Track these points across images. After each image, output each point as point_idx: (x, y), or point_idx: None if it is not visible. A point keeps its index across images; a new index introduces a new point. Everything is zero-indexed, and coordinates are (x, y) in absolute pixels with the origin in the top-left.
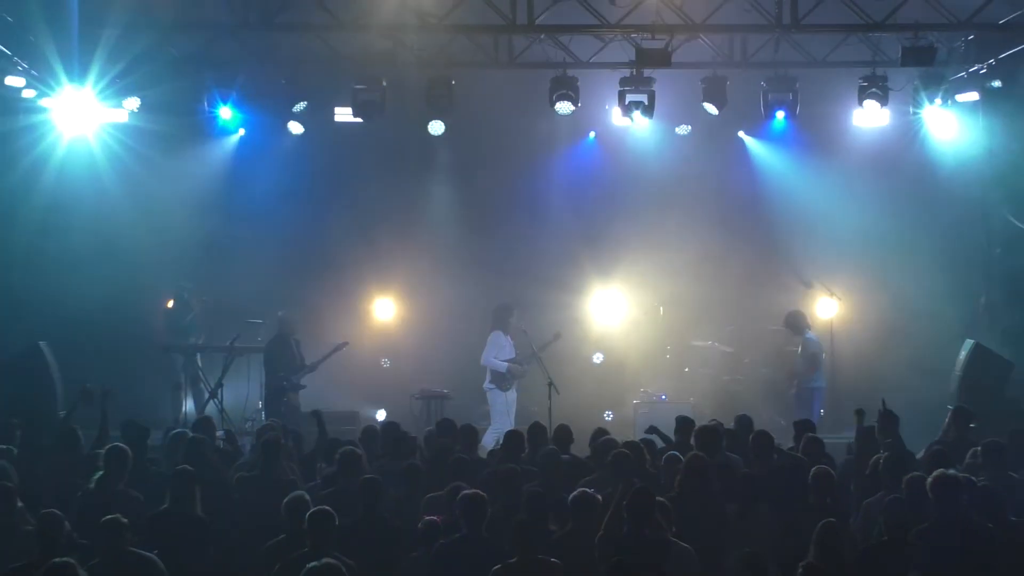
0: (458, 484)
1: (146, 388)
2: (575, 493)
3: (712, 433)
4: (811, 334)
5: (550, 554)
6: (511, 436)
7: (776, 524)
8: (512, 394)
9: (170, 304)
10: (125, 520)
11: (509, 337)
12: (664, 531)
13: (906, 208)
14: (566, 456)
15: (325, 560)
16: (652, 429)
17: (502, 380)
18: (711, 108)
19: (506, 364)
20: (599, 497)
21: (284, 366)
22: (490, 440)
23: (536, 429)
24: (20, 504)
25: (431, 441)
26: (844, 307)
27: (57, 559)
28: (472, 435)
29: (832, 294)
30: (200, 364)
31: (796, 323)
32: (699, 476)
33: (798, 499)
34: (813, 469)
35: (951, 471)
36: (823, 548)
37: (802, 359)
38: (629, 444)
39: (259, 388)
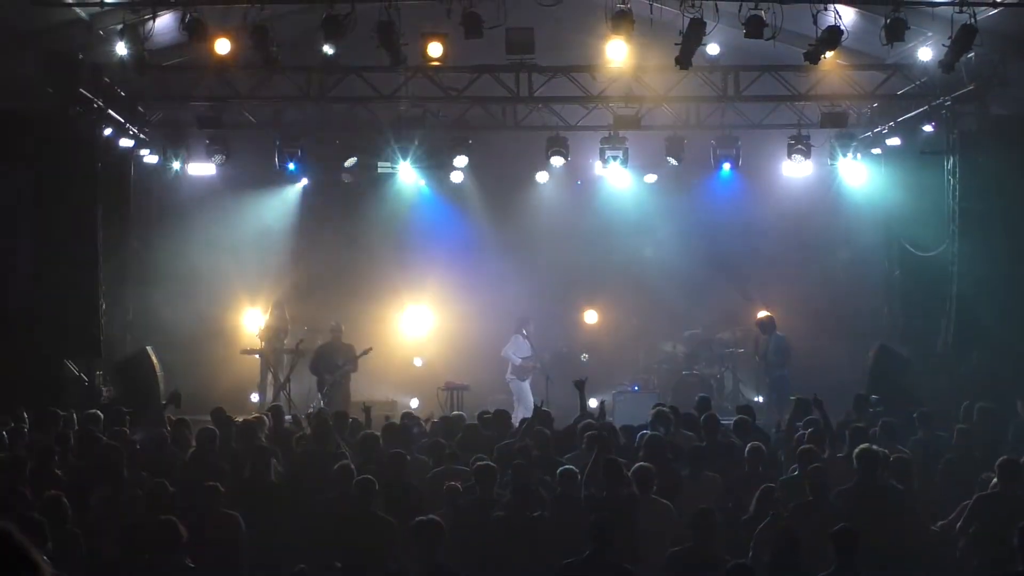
0: (480, 456)
1: (229, 382)
2: (562, 468)
3: (664, 416)
4: (780, 334)
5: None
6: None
7: (720, 486)
8: (527, 384)
9: (270, 319)
10: (221, 488)
11: (527, 340)
12: (641, 491)
13: (825, 239)
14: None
15: (430, 517)
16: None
17: (520, 371)
18: (672, 161)
19: (520, 359)
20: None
21: (324, 365)
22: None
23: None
24: (126, 474)
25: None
26: (777, 316)
27: (163, 516)
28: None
29: (765, 305)
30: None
31: (769, 325)
32: (658, 451)
33: (737, 467)
34: (748, 444)
35: (874, 446)
36: (762, 505)
37: (778, 352)
38: (606, 426)
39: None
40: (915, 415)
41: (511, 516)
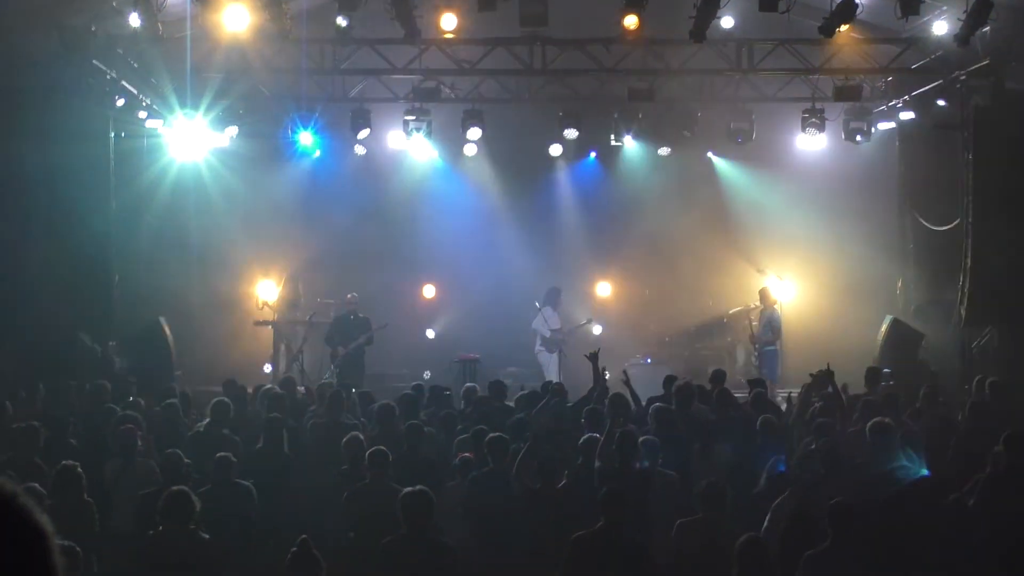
0: (481, 428)
1: (242, 353)
2: (585, 437)
3: (687, 389)
4: (775, 308)
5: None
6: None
7: (732, 460)
8: (555, 356)
9: (284, 291)
10: (234, 458)
11: (556, 313)
12: (649, 463)
13: (839, 212)
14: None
15: (419, 487)
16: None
17: (549, 344)
18: (686, 133)
19: (550, 331)
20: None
21: (340, 336)
22: None
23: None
24: (140, 445)
25: (469, 395)
26: (790, 289)
27: (176, 487)
28: (501, 389)
29: (780, 278)
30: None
31: (768, 297)
32: (666, 423)
33: (749, 441)
34: (760, 417)
35: (886, 419)
36: (771, 479)
37: (769, 327)
38: (617, 395)
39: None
40: (921, 393)
41: (533, 488)
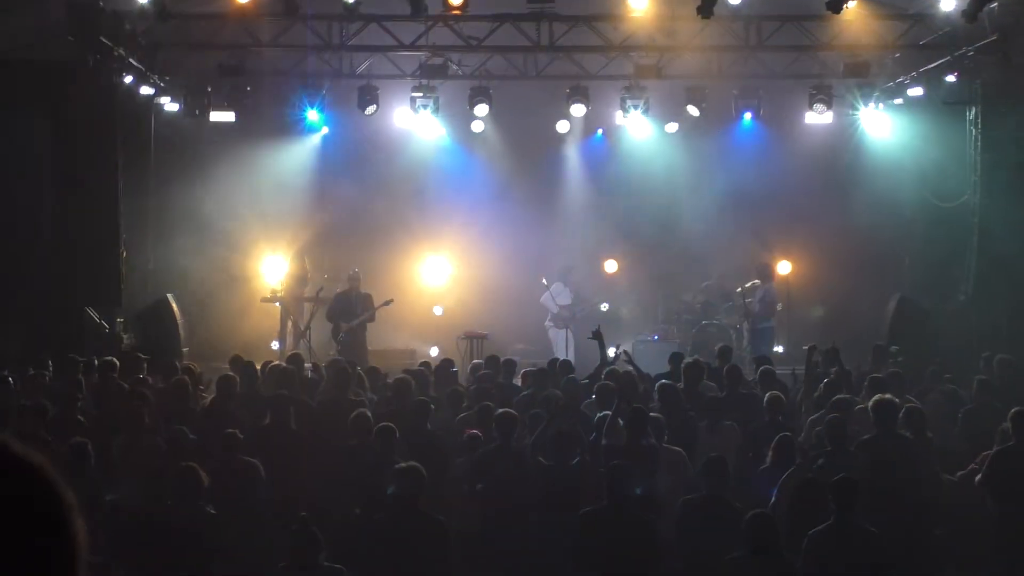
0: (486, 404)
1: (250, 330)
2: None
3: (696, 368)
4: (772, 284)
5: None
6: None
7: (738, 437)
8: (564, 332)
9: (291, 267)
10: (240, 435)
11: (568, 288)
12: (656, 440)
13: (846, 189)
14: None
15: (410, 463)
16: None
17: (557, 319)
18: (693, 110)
19: (558, 307)
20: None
21: (342, 313)
22: None
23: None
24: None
25: (476, 371)
26: (797, 266)
27: (184, 463)
28: (511, 366)
29: (786, 256)
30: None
31: (766, 272)
32: (671, 400)
33: (756, 417)
34: (767, 394)
35: (888, 396)
36: (779, 455)
37: (766, 303)
38: (626, 374)
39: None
40: (928, 371)
41: (541, 464)
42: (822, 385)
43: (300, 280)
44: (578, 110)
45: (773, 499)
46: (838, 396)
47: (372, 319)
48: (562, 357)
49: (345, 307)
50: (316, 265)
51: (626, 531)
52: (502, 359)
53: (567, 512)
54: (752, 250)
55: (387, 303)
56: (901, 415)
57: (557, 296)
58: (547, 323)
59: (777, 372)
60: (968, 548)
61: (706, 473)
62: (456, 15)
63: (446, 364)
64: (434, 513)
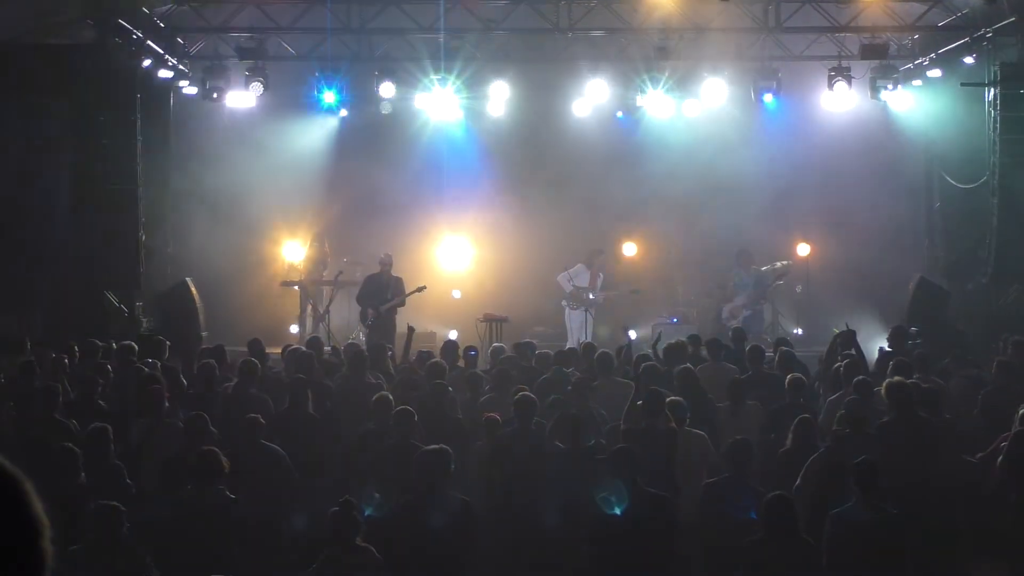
0: (519, 387)
1: (269, 313)
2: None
3: (680, 347)
4: (756, 268)
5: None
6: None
7: (761, 417)
8: (581, 314)
9: (311, 251)
10: (262, 420)
11: (591, 272)
12: (676, 423)
13: (865, 171)
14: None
15: (438, 446)
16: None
17: (571, 299)
18: (712, 92)
19: (572, 287)
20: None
21: (373, 296)
22: None
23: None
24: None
25: (496, 354)
26: (818, 249)
27: (205, 447)
28: (530, 348)
29: (804, 237)
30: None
31: (750, 259)
32: (691, 382)
33: (777, 399)
34: (788, 376)
35: (900, 378)
36: (798, 437)
37: (759, 288)
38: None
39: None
40: (947, 360)
41: (559, 448)
42: (840, 366)
43: (319, 263)
44: (595, 90)
45: (799, 481)
46: (859, 378)
47: (403, 304)
48: (575, 339)
49: (375, 290)
50: (335, 248)
51: (636, 511)
52: (521, 341)
53: (581, 496)
54: (772, 233)
55: (420, 289)
56: (917, 396)
57: (575, 277)
58: (563, 302)
59: (797, 354)
60: (988, 530)
61: (730, 456)
62: None
63: (450, 346)
64: (459, 494)
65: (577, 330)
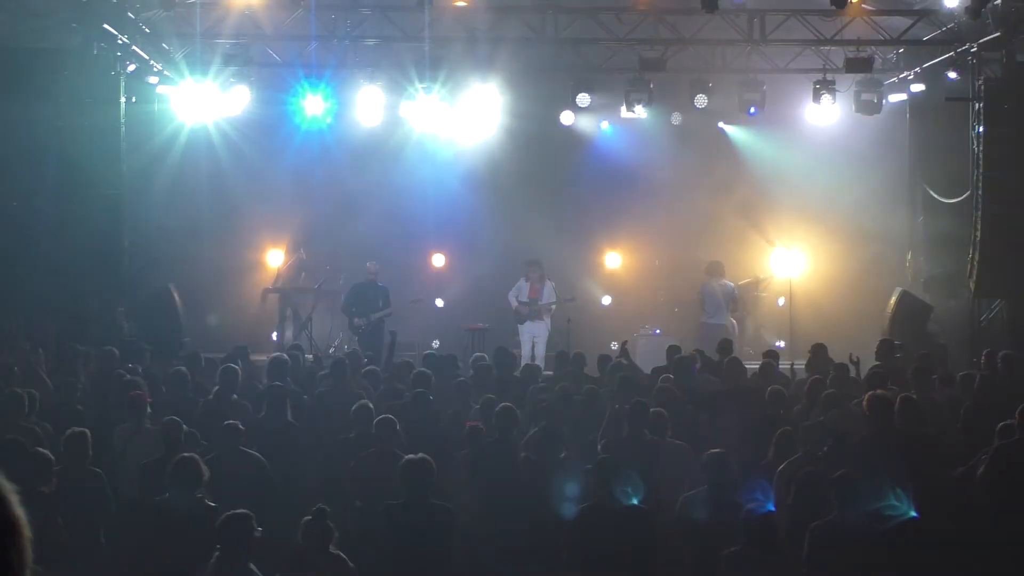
0: (489, 397)
1: (251, 320)
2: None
3: (685, 361)
4: (726, 282)
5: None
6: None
7: (739, 431)
8: (529, 326)
9: (291, 260)
10: (241, 426)
11: (529, 284)
12: (657, 435)
13: (849, 185)
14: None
15: (420, 455)
16: (623, 353)
17: (516, 315)
18: (700, 101)
19: (516, 303)
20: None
21: (360, 305)
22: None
23: (560, 356)
24: (149, 410)
25: (477, 363)
26: (801, 262)
27: (185, 454)
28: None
29: (790, 251)
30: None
31: (719, 270)
32: (668, 395)
33: (757, 412)
34: (768, 388)
35: (881, 392)
36: (780, 449)
37: (729, 299)
38: (625, 377)
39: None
40: (934, 376)
41: (536, 457)
42: (812, 380)
43: (300, 271)
44: (583, 100)
45: (772, 491)
46: (829, 392)
47: (390, 315)
48: (526, 351)
49: (362, 300)
50: (315, 256)
51: (614, 523)
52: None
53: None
54: (755, 244)
55: (416, 301)
56: (897, 408)
57: (520, 292)
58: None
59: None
60: (968, 544)
61: (708, 468)
62: (461, 6)
63: (447, 358)
64: (442, 502)
65: (527, 343)
